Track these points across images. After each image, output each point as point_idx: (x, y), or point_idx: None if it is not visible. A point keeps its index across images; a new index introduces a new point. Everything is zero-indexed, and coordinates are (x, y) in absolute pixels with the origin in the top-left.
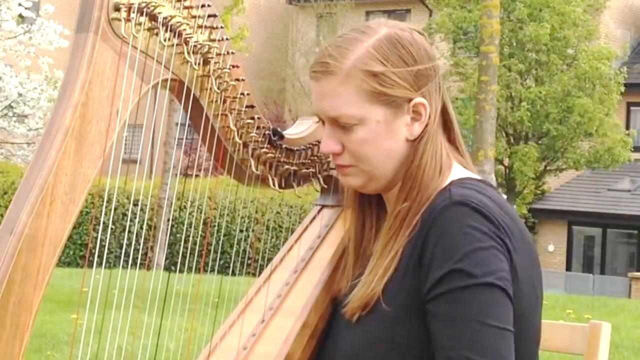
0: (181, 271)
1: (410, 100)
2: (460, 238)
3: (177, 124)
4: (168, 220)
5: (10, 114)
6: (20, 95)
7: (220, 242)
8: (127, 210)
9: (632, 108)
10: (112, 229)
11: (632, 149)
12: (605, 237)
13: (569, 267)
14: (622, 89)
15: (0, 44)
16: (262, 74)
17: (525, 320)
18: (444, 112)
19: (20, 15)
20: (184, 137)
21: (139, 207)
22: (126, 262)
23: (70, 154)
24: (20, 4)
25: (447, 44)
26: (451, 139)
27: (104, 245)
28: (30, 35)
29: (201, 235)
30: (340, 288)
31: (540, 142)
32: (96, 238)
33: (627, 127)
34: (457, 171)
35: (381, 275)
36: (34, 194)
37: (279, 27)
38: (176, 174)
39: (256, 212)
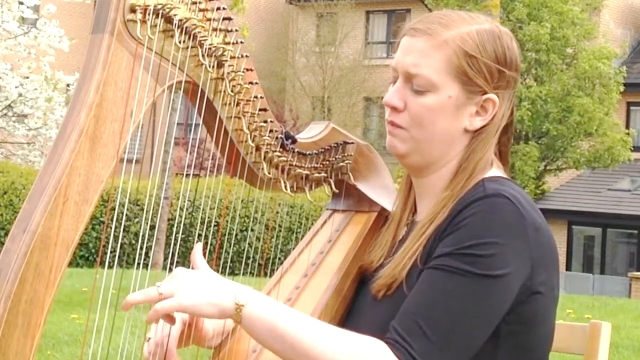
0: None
1: (484, 93)
2: (483, 227)
3: (175, 124)
4: (168, 220)
5: (10, 113)
6: (20, 95)
7: (219, 242)
8: (127, 209)
9: (631, 107)
10: (111, 228)
11: (632, 149)
12: (605, 237)
13: (568, 267)
14: (622, 88)
15: (1, 44)
16: (262, 73)
17: (540, 320)
18: (507, 127)
19: (21, 17)
20: (189, 137)
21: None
22: (126, 262)
23: (84, 154)
24: (21, 3)
25: None
26: (501, 152)
27: (104, 245)
28: (36, 36)
29: (199, 235)
30: (372, 260)
31: (540, 141)
32: (96, 238)
33: (627, 127)
34: (491, 172)
35: (408, 259)
36: (48, 193)
37: (279, 27)
38: (177, 174)
39: (255, 211)
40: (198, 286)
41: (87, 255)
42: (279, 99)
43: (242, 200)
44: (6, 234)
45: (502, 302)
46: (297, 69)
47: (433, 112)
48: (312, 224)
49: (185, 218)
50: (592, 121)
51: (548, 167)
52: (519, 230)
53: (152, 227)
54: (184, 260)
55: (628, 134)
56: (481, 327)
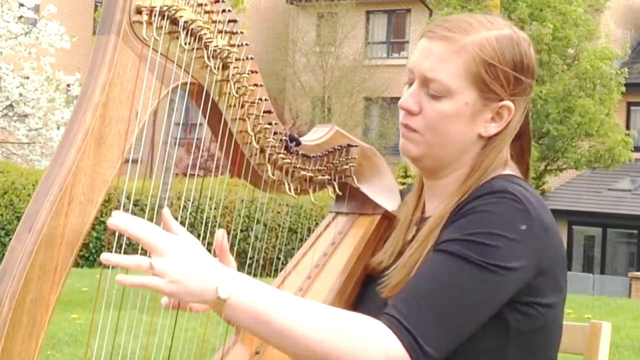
0: None
1: (500, 100)
2: (488, 219)
3: (176, 124)
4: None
5: (11, 113)
6: (20, 95)
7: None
8: (127, 210)
9: (632, 108)
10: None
11: (633, 149)
12: (605, 237)
13: (569, 267)
14: (623, 88)
15: (1, 44)
16: (262, 73)
17: (548, 322)
18: (521, 134)
19: (21, 16)
20: (190, 137)
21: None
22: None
23: (89, 154)
24: (21, 5)
25: None
26: (520, 161)
27: (104, 245)
28: (37, 36)
29: (199, 235)
30: (382, 260)
31: (540, 142)
32: (96, 238)
33: (628, 127)
34: (505, 172)
35: (420, 262)
36: (53, 193)
37: (279, 26)
38: (177, 174)
39: (256, 211)
40: (186, 274)
41: (87, 255)
42: (279, 99)
43: (242, 200)
44: (6, 234)
45: (499, 295)
46: (297, 69)
47: (448, 118)
48: (311, 222)
49: (186, 218)
50: (592, 122)
51: (548, 168)
52: (524, 228)
53: None
54: None
55: (628, 134)
56: (475, 314)
